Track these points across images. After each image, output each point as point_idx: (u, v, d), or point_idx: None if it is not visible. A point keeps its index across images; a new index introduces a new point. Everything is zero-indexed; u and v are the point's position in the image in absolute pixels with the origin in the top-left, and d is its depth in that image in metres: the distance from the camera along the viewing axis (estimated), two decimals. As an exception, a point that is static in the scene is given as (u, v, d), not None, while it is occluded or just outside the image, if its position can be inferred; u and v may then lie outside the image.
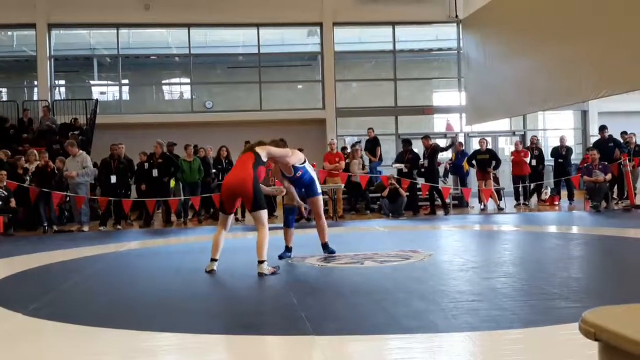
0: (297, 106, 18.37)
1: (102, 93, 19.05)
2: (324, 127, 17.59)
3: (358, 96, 18.99)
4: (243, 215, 12.60)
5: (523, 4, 14.33)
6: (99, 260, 7.44)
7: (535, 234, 9.01)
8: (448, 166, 14.66)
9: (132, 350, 3.56)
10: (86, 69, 19.09)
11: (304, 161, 6.69)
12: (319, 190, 6.92)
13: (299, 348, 3.56)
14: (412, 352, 3.34)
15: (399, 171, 13.01)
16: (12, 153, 12.98)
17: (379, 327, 3.79)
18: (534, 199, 14.23)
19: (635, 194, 12.68)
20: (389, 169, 14.75)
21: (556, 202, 13.91)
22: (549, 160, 15.05)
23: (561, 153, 14.04)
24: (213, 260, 6.04)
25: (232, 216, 6.21)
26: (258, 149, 6.09)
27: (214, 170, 13.17)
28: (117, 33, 17.69)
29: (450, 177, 15.47)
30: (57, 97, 17.66)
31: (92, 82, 19.24)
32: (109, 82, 19.32)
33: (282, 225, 7.14)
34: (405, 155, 13.06)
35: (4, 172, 11.37)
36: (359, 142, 15.54)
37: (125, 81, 18.79)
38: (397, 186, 12.49)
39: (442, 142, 17.33)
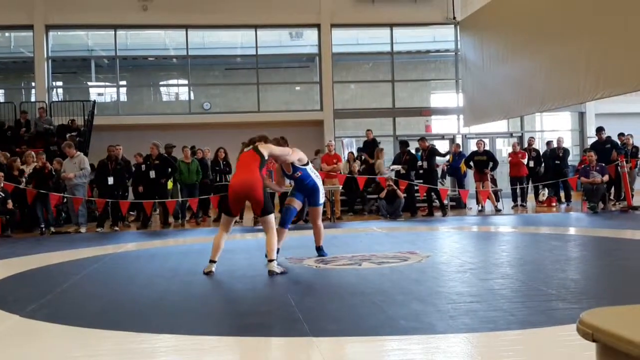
0: (295, 108, 18.38)
1: (99, 94, 19.03)
2: (321, 128, 17.59)
3: (356, 98, 19.00)
4: (241, 217, 12.60)
5: (521, 5, 14.35)
6: (97, 262, 7.42)
7: (533, 235, 9.02)
8: (445, 168, 14.68)
9: (130, 352, 3.56)
10: (84, 70, 19.07)
11: (307, 163, 6.67)
12: (321, 201, 6.85)
13: (296, 349, 3.56)
14: (410, 353, 3.34)
15: (397, 172, 13.01)
16: (9, 154, 12.94)
17: (377, 329, 3.79)
18: (531, 200, 14.27)
19: (632, 195, 12.70)
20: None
21: (553, 204, 13.93)
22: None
23: (558, 154, 14.06)
24: (212, 261, 6.02)
25: (235, 218, 6.20)
26: (261, 148, 6.08)
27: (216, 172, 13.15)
28: (115, 34, 17.68)
29: (448, 178, 15.48)
30: (54, 98, 17.64)
31: (89, 83, 19.23)
32: (107, 84, 19.31)
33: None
34: (403, 156, 13.07)
35: (1, 174, 11.35)
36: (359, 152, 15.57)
37: (123, 82, 18.78)
38: (395, 187, 12.49)
39: (440, 144, 17.36)
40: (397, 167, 12.96)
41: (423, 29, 19.16)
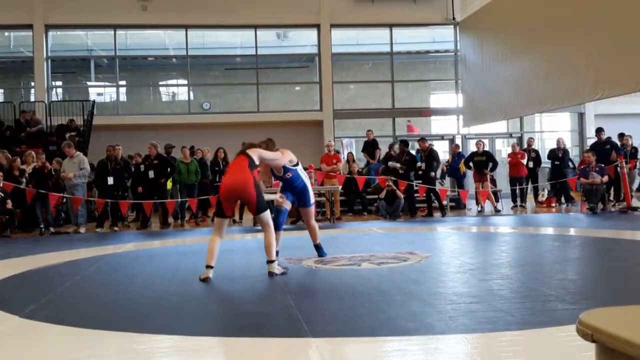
0: (295, 108, 18.38)
1: (99, 94, 19.03)
2: (321, 128, 17.59)
3: (355, 98, 19.01)
4: (241, 217, 12.60)
5: (520, 6, 14.35)
6: (96, 262, 7.42)
7: (532, 236, 9.02)
8: (445, 168, 14.68)
9: (129, 352, 3.56)
10: (83, 70, 19.07)
11: (296, 163, 6.61)
12: (312, 201, 6.81)
13: (295, 350, 3.55)
14: (409, 354, 3.34)
15: (396, 173, 12.97)
16: (9, 155, 12.93)
17: (376, 329, 3.79)
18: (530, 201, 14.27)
19: (631, 196, 12.70)
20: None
21: (553, 204, 13.93)
22: (546, 163, 15.09)
23: (558, 155, 14.06)
24: (208, 267, 5.80)
25: (228, 220, 6.11)
26: (250, 152, 6.03)
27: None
28: (115, 34, 17.67)
29: (448, 179, 15.49)
30: (54, 98, 17.63)
31: (89, 83, 19.23)
32: (106, 84, 19.32)
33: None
34: (402, 156, 13.06)
35: (0, 174, 11.34)
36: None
37: (123, 82, 18.77)
38: (395, 188, 12.49)
39: (440, 145, 17.38)
40: (396, 164, 12.93)
41: (423, 29, 19.16)
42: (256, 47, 17.93)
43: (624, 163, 12.72)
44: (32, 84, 17.77)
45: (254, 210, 5.98)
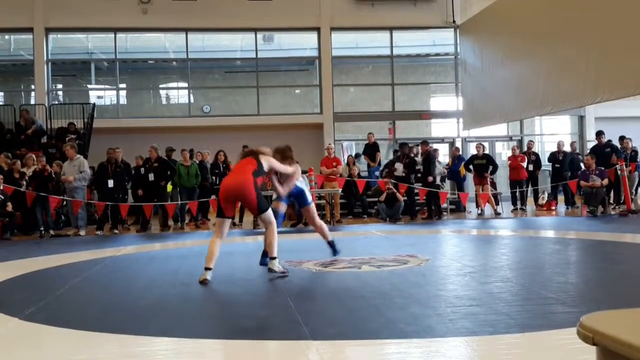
0: (295, 111, 18.38)
1: (99, 97, 19.03)
2: (321, 131, 17.60)
3: (355, 101, 19.01)
4: (241, 220, 12.59)
5: (520, 9, 14.36)
6: (96, 265, 7.42)
7: (533, 239, 9.01)
8: (445, 171, 14.68)
9: (129, 355, 3.56)
10: (84, 73, 19.08)
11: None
12: (310, 199, 6.92)
13: (296, 353, 3.55)
14: (410, 357, 3.34)
15: (396, 175, 12.97)
16: (10, 157, 12.93)
17: (376, 332, 3.79)
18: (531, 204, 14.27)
19: (632, 199, 12.70)
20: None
21: (553, 207, 13.92)
22: (547, 165, 15.09)
23: (558, 158, 14.07)
24: (207, 269, 5.77)
25: (229, 222, 6.11)
26: (262, 159, 6.03)
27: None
28: (115, 37, 17.68)
29: (448, 182, 15.49)
30: (54, 101, 17.64)
31: (89, 86, 19.23)
32: (107, 87, 19.31)
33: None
34: (403, 159, 13.07)
35: (1, 177, 11.35)
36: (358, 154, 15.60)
37: (123, 85, 18.78)
38: (395, 191, 12.49)
39: (440, 147, 17.33)
40: (400, 165, 12.93)
41: (423, 32, 19.17)
42: (256, 50, 17.95)
43: (624, 166, 12.72)
44: (33, 87, 17.77)
45: (255, 211, 5.98)
